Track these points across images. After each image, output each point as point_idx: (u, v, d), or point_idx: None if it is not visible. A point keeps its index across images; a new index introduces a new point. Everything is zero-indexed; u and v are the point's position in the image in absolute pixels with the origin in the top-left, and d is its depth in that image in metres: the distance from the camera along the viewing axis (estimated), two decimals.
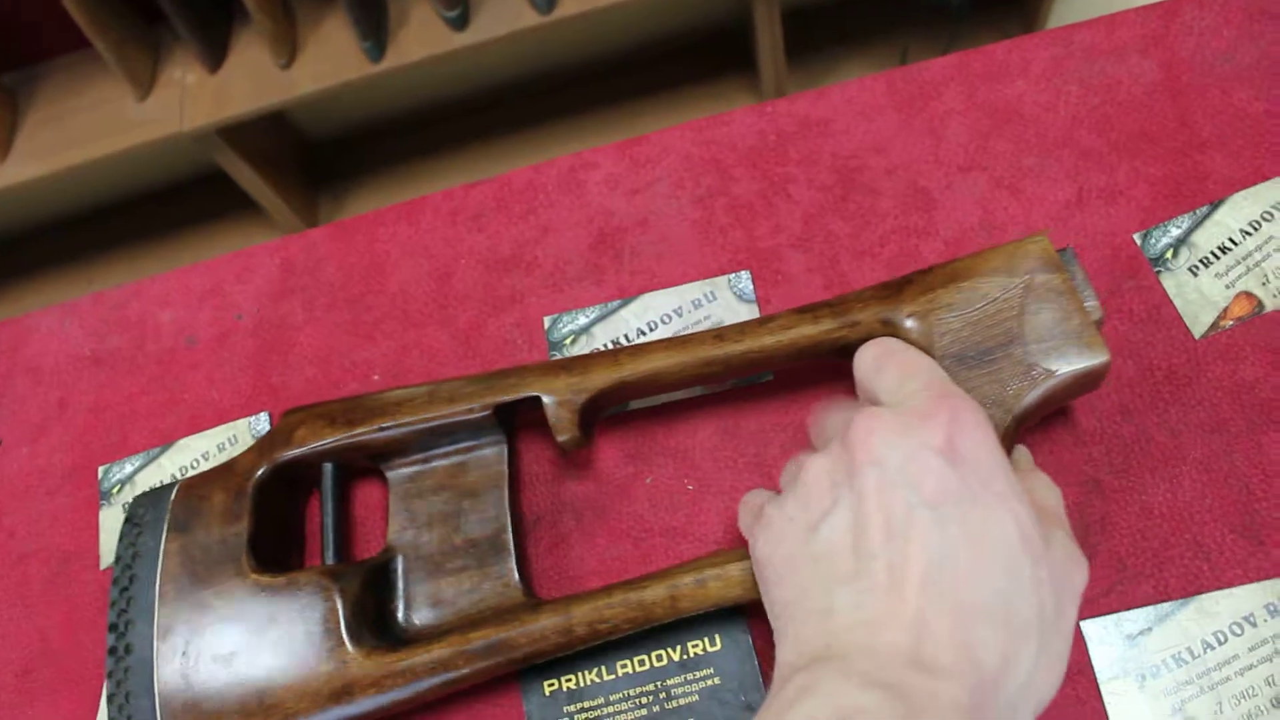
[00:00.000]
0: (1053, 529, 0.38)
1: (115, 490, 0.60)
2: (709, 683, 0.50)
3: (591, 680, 0.51)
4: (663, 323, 0.56)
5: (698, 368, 0.48)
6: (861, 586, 0.35)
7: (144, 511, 0.52)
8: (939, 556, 0.35)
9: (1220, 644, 0.45)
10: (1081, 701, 0.45)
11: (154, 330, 0.63)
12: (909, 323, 0.46)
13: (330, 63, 1.30)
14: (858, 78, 0.60)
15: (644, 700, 0.50)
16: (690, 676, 0.50)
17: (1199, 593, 0.46)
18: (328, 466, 0.53)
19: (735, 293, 0.56)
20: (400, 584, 0.51)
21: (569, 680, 0.51)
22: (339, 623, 0.47)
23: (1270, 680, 0.44)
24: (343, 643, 0.47)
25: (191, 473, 0.59)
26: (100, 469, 0.60)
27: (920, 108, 0.59)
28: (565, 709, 0.50)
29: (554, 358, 0.56)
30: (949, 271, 0.47)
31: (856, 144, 0.59)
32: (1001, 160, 0.57)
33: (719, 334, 0.48)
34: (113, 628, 0.49)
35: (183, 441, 0.60)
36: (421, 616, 0.50)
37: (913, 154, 0.58)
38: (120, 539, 0.52)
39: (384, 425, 0.50)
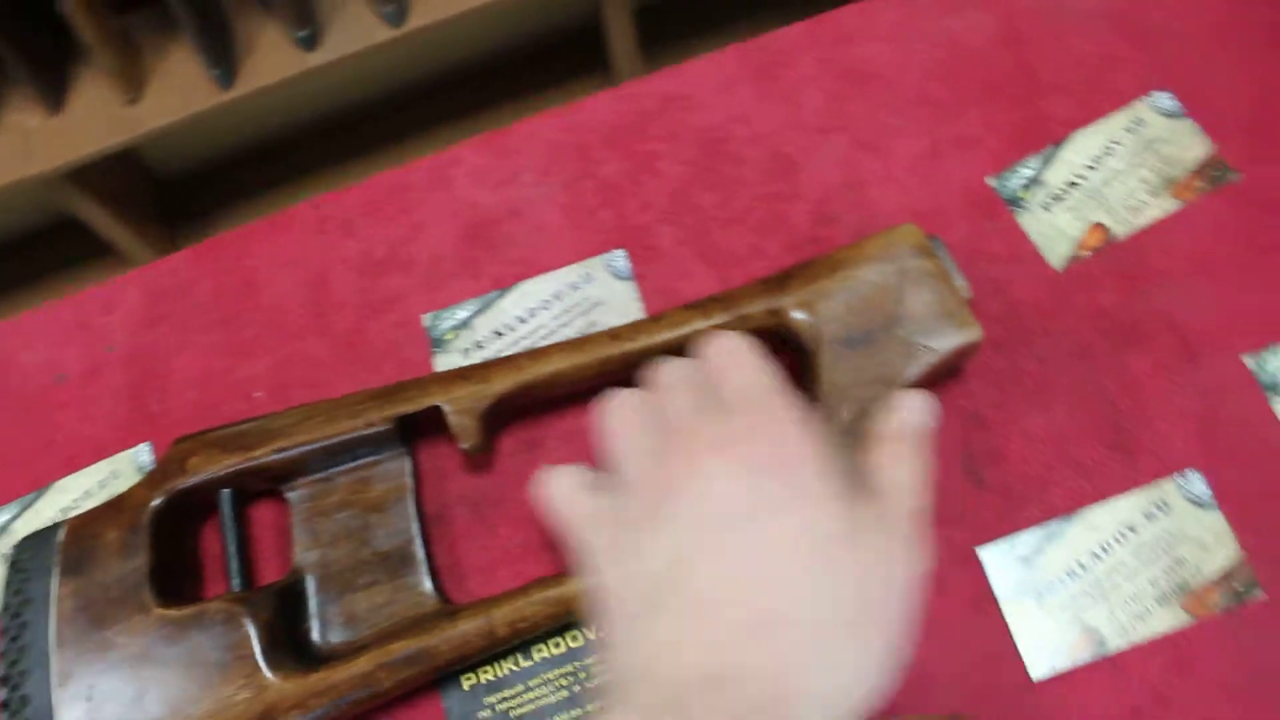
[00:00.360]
0: (884, 517, 0.37)
1: None
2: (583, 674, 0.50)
3: (509, 669, 0.50)
4: (543, 308, 0.56)
5: (596, 367, 0.49)
6: (662, 609, 0.35)
7: (28, 556, 0.49)
8: (730, 571, 0.34)
9: (1106, 554, 0.47)
10: (987, 625, 0.47)
11: (16, 372, 0.60)
12: (795, 313, 0.49)
13: (180, 94, 1.26)
14: (712, 52, 0.61)
15: (563, 682, 0.50)
16: (568, 669, 0.50)
17: (1081, 507, 0.49)
18: (225, 493, 0.51)
19: (611, 272, 0.57)
20: (312, 604, 0.50)
21: (486, 673, 0.50)
22: (253, 649, 0.46)
23: (1154, 581, 0.47)
24: (259, 669, 0.46)
25: (74, 512, 0.57)
26: None
27: (775, 76, 0.61)
28: (485, 700, 0.50)
29: (438, 357, 0.56)
30: (829, 262, 0.49)
31: (717, 116, 0.60)
32: (858, 120, 0.59)
33: (614, 333, 0.49)
34: (4, 680, 0.47)
35: (60, 483, 0.57)
36: (337, 635, 0.49)
37: (772, 122, 0.59)
38: (6, 587, 0.49)
39: (282, 448, 0.49)
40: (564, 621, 0.48)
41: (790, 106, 0.59)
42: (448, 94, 1.55)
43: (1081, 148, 0.56)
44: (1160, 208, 0.54)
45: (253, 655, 0.46)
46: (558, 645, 0.51)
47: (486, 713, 0.50)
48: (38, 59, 1.25)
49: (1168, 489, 0.49)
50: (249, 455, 0.50)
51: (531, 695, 0.50)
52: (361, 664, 0.46)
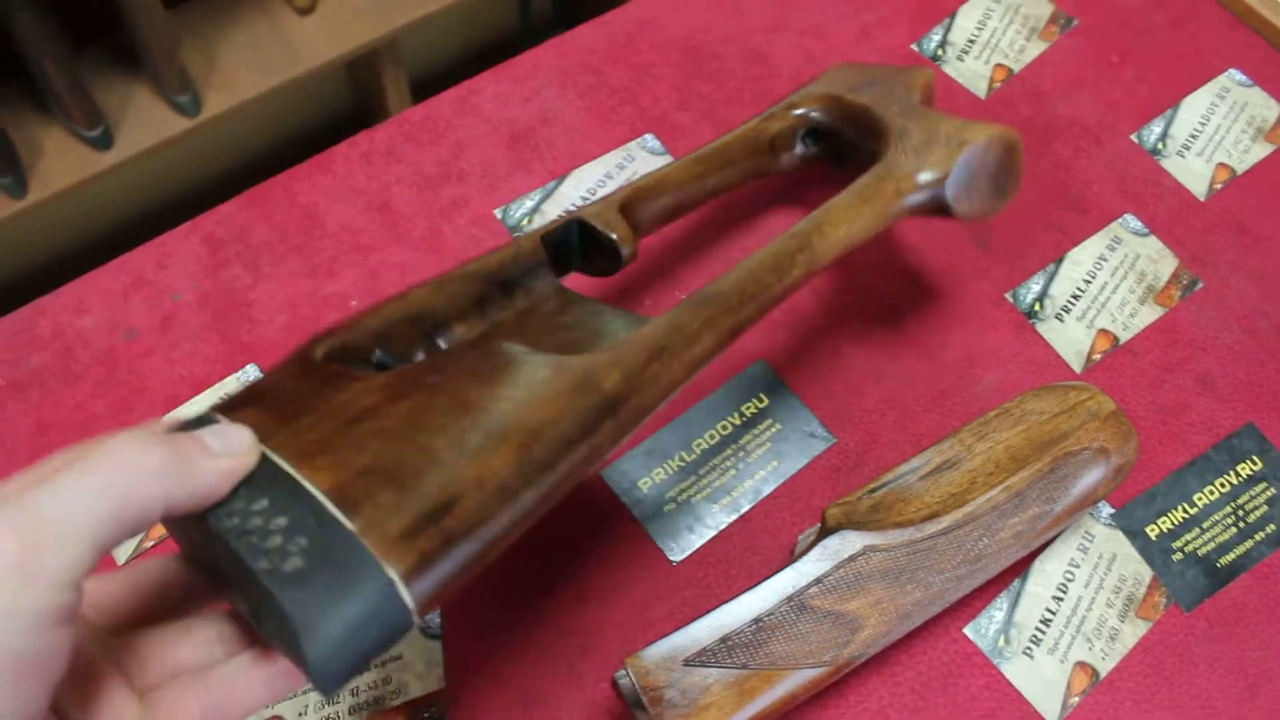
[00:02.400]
0: None
1: None
2: (773, 429, 0.58)
3: (677, 466, 0.57)
4: (600, 186, 0.64)
5: (695, 173, 0.56)
6: None
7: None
8: None
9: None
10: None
11: (78, 338, 0.59)
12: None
13: None
14: None
15: (725, 464, 0.57)
16: (757, 431, 0.58)
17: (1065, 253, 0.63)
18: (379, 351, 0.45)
19: (648, 150, 0.66)
20: None
21: (658, 473, 0.56)
22: (527, 346, 0.43)
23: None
24: (544, 351, 0.42)
25: None
26: None
27: None
28: (666, 496, 0.56)
29: None
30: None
31: (684, 29, 0.71)
32: (798, 18, 0.72)
33: (703, 152, 0.57)
34: None
35: (167, 418, 0.57)
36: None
37: (732, 27, 0.72)
38: None
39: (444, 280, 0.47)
40: None
41: (738, 13, 0.72)
42: (251, 181, 1.55)
43: (965, 17, 0.73)
44: (1035, 49, 0.72)
45: (527, 350, 0.42)
46: (712, 436, 0.58)
47: (670, 506, 0.56)
48: None
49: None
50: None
51: (703, 479, 0.57)
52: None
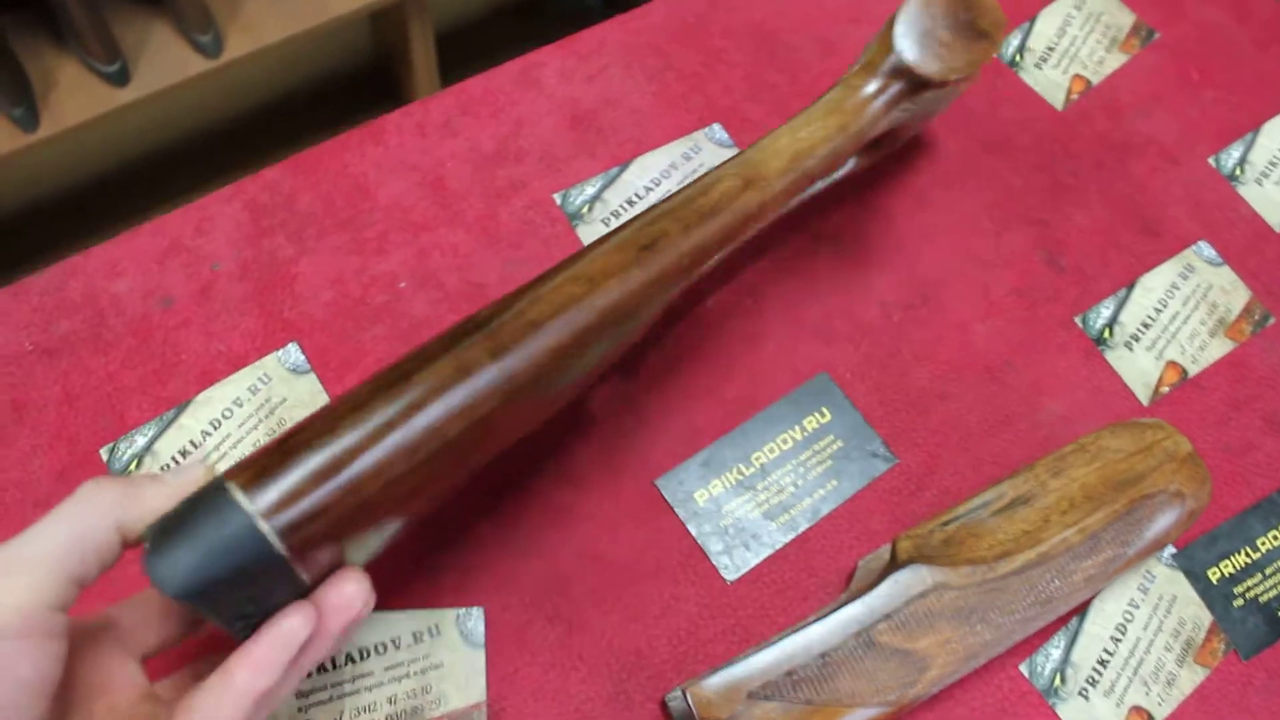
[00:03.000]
0: None
1: (132, 467, 0.53)
2: (835, 446, 0.56)
3: (735, 479, 0.54)
4: (664, 177, 0.62)
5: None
6: None
7: None
8: None
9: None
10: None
11: (111, 304, 0.56)
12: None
13: None
14: None
15: (784, 480, 0.55)
16: (818, 447, 0.56)
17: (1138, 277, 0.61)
18: None
19: (715, 142, 0.63)
20: None
21: (715, 486, 0.54)
22: None
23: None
24: None
25: (224, 425, 0.54)
26: (102, 452, 0.53)
27: None
28: (724, 510, 0.54)
29: (580, 228, 0.60)
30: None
31: (759, 14, 0.68)
32: (874, 10, 0.69)
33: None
34: None
35: (201, 396, 0.54)
36: None
37: (807, 14, 0.69)
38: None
39: None
40: None
41: (814, 6, 0.69)
42: (266, 128, 1.50)
43: (1045, 23, 0.70)
44: (1113, 62, 0.69)
45: None
46: (771, 450, 0.56)
47: (727, 521, 0.54)
48: None
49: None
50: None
51: (765, 493, 0.55)
52: None
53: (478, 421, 0.39)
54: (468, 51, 1.56)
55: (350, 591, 0.37)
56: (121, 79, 1.21)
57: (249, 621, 0.35)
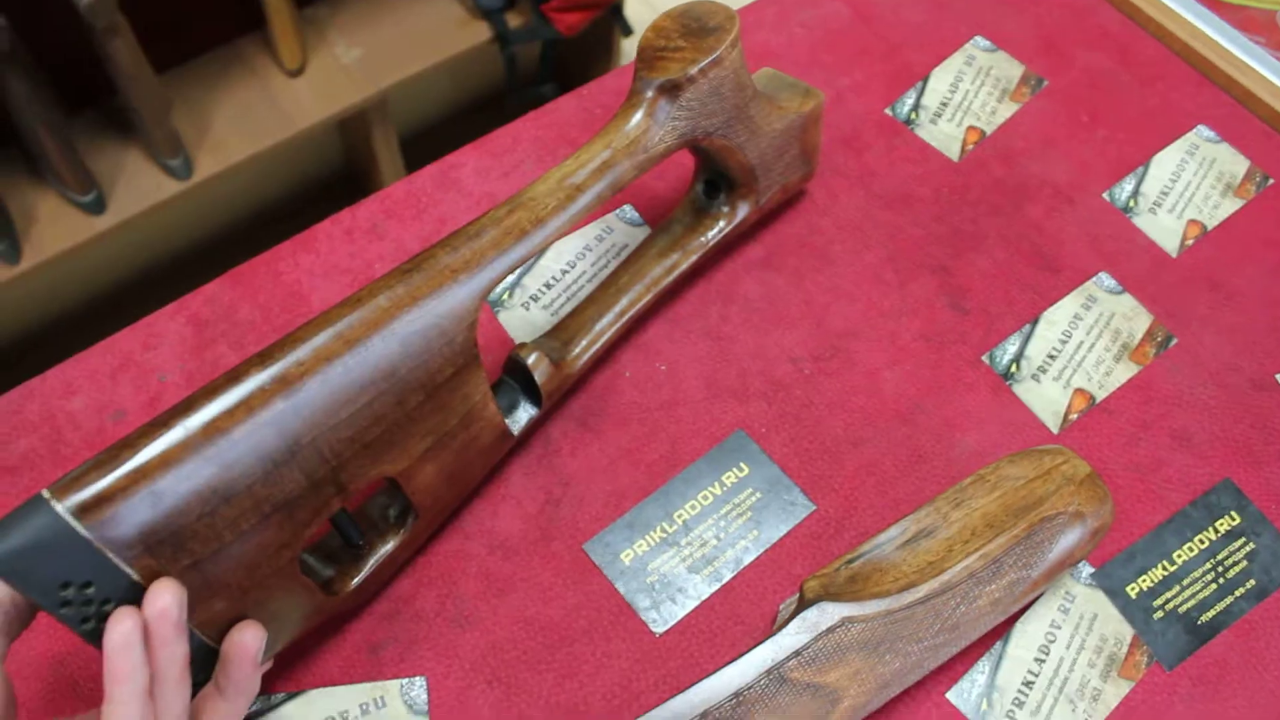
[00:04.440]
0: None
1: None
2: (754, 497, 0.59)
3: (659, 537, 0.57)
4: (579, 259, 0.65)
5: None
6: None
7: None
8: None
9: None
10: None
11: (67, 420, 0.60)
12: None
13: None
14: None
15: (707, 534, 0.57)
16: (738, 500, 0.58)
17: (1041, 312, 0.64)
18: None
19: (626, 221, 0.67)
20: None
21: (640, 545, 0.57)
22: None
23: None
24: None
25: None
26: None
27: None
28: (649, 567, 0.56)
29: (501, 314, 0.63)
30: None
31: None
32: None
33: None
34: None
35: None
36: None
37: None
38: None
39: None
40: None
41: None
42: (241, 242, 1.56)
43: (940, 81, 0.74)
44: (1005, 112, 0.73)
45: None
46: (693, 506, 0.58)
47: (653, 578, 0.56)
48: None
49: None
50: None
51: (686, 550, 0.57)
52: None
53: (251, 417, 0.44)
54: (434, 149, 1.63)
55: (248, 635, 0.44)
56: (98, 207, 1.27)
57: (78, 611, 0.41)
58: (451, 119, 1.68)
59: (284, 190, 1.58)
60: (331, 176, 1.60)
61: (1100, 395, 0.63)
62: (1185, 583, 0.58)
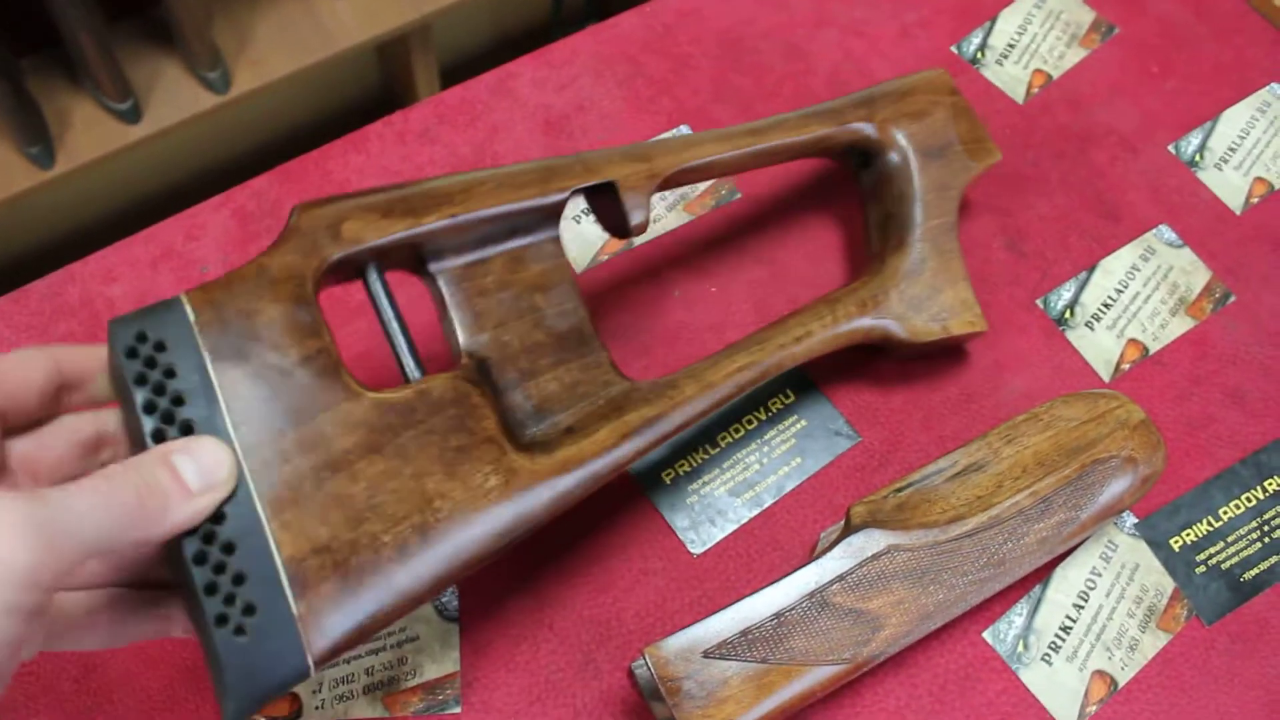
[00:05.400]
0: None
1: None
2: (799, 425, 0.58)
3: (701, 459, 0.56)
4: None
5: (741, 160, 0.55)
6: None
7: (151, 338, 0.38)
8: None
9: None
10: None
11: (106, 306, 0.59)
12: (894, 129, 0.59)
13: None
14: None
15: (749, 458, 0.57)
16: (782, 426, 0.58)
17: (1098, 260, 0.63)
18: (375, 267, 0.44)
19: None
20: (498, 389, 0.46)
21: (682, 465, 0.56)
22: (494, 428, 0.42)
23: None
24: (505, 449, 0.42)
25: None
26: None
27: None
28: (689, 488, 0.56)
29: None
30: (896, 90, 0.60)
31: (727, 21, 0.71)
32: (840, 14, 0.72)
33: (754, 130, 0.56)
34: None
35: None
36: (532, 419, 0.46)
37: (774, 21, 0.71)
38: (132, 381, 0.37)
39: (454, 214, 0.44)
40: (765, 379, 0.52)
41: (781, 9, 0.72)
42: (272, 163, 1.55)
43: (1005, 22, 0.73)
44: (1074, 57, 0.72)
45: (496, 436, 0.42)
46: (737, 430, 0.57)
47: (693, 498, 0.55)
48: None
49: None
50: (416, 222, 0.43)
51: (725, 474, 0.57)
52: (603, 436, 0.45)
53: None
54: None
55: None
56: (134, 116, 1.25)
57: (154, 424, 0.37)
58: (491, 53, 1.66)
59: (318, 112, 1.56)
60: (368, 101, 1.58)
61: (1154, 347, 0.62)
62: (1230, 539, 0.57)
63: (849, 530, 0.49)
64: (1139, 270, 0.64)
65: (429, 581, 0.40)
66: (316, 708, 0.50)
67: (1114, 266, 0.64)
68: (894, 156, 0.59)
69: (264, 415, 0.38)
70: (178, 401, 0.37)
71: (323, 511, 0.38)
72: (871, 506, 0.50)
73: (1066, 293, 0.63)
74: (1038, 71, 0.71)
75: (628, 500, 0.55)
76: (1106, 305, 0.63)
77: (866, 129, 0.59)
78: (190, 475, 0.35)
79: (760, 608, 0.47)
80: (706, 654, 0.46)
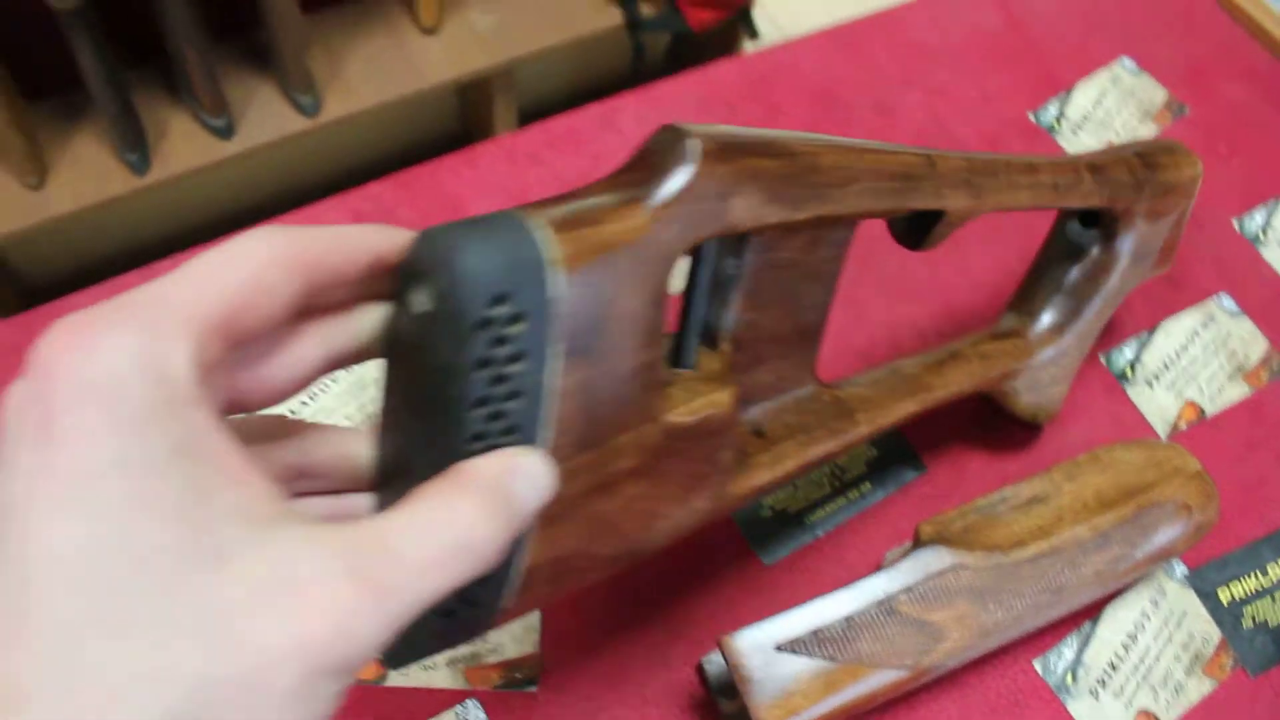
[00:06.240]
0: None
1: None
2: (871, 453, 0.61)
3: None
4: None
5: (1035, 199, 0.52)
6: None
7: (509, 306, 0.28)
8: None
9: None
10: None
11: None
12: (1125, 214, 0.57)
13: (91, 180, 1.26)
14: (806, 35, 0.77)
15: (822, 480, 0.60)
16: (856, 453, 0.61)
17: None
18: (712, 245, 0.38)
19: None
20: None
21: None
22: (730, 460, 0.41)
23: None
24: (727, 478, 0.41)
25: (320, 397, 0.60)
26: None
27: (857, 49, 0.77)
28: (765, 503, 0.59)
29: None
30: (1168, 183, 0.58)
31: (820, 77, 0.76)
32: (925, 77, 0.76)
33: (1056, 186, 0.52)
34: None
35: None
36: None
37: (863, 79, 0.76)
38: (473, 365, 0.28)
39: (831, 211, 0.40)
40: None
41: (870, 69, 0.76)
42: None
43: (1081, 95, 0.77)
44: (1147, 131, 0.75)
45: (731, 467, 0.41)
46: None
47: (767, 512, 0.59)
48: None
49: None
50: (795, 212, 0.38)
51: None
52: (788, 463, 0.44)
53: None
54: None
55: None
56: (227, 132, 1.32)
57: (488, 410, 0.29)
58: (569, 100, 1.72)
59: (398, 144, 1.62)
60: (446, 138, 1.65)
61: (1211, 410, 0.65)
62: (1278, 596, 0.60)
63: (917, 545, 0.52)
64: (1199, 335, 0.67)
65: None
66: (402, 673, 0.53)
67: (1175, 329, 0.67)
68: (1118, 245, 0.58)
69: (579, 429, 0.32)
70: (512, 396, 0.29)
71: (576, 527, 0.34)
72: (939, 526, 0.53)
73: (1129, 350, 0.66)
74: (1111, 143, 0.75)
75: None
76: (1166, 365, 0.66)
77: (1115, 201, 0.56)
78: (522, 499, 0.29)
79: (832, 610, 0.50)
80: (779, 647, 0.49)
